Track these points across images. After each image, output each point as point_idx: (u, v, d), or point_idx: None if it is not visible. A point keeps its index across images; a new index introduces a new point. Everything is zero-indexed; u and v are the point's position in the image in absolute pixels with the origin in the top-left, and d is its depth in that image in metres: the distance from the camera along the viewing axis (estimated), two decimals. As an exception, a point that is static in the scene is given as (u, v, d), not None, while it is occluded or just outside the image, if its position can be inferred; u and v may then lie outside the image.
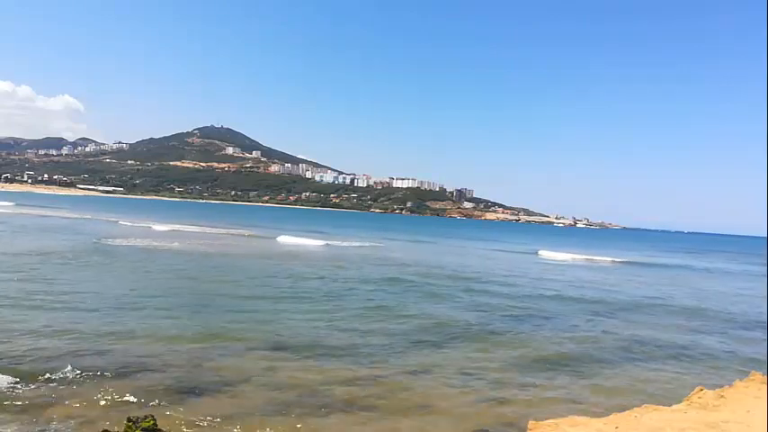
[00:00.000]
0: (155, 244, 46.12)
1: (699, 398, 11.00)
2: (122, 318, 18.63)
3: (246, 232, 72.60)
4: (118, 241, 46.52)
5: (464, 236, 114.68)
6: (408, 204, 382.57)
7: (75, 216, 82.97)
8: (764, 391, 11.14)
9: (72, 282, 25.14)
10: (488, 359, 16.87)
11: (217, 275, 30.96)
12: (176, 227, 69.12)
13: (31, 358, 13.55)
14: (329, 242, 62.87)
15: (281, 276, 32.28)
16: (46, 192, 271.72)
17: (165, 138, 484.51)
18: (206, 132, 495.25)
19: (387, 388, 13.50)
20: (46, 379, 12.21)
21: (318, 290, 27.96)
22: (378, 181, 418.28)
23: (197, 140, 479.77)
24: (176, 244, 47.58)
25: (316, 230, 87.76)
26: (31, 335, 15.59)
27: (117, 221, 76.38)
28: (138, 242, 47.01)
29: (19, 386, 11.70)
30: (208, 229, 72.24)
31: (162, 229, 63.89)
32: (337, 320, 20.91)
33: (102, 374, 12.82)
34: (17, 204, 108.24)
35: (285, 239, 62.00)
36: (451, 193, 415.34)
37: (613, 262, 64.39)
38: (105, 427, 9.94)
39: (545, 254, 68.58)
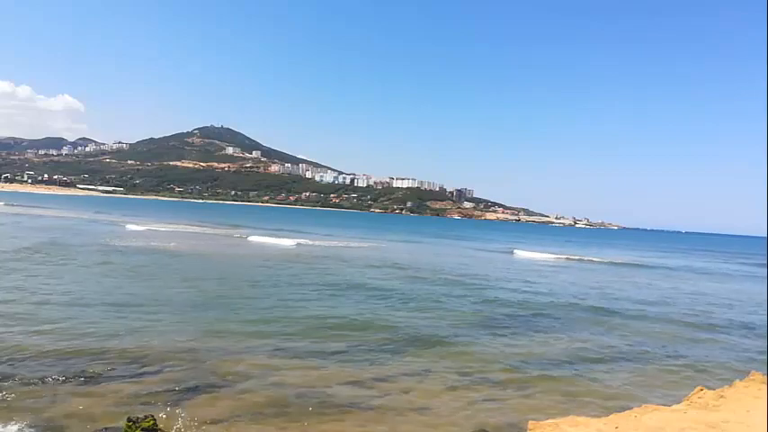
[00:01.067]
0: (122, 243, 45.87)
1: (699, 398, 11.01)
2: (117, 318, 18.62)
3: (223, 231, 72.07)
4: (97, 240, 46.64)
5: (452, 235, 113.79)
6: (408, 204, 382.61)
7: (68, 215, 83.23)
8: (764, 391, 11.15)
9: (62, 282, 25.12)
10: (487, 360, 16.85)
11: (190, 274, 30.94)
12: (153, 227, 68.49)
13: (29, 359, 13.54)
14: (301, 241, 61.25)
15: (212, 274, 32.14)
16: (46, 192, 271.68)
17: (165, 138, 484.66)
18: (206, 132, 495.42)
19: (386, 389, 13.50)
20: (45, 379, 12.21)
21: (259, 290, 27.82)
22: (378, 181, 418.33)
23: (197, 140, 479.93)
24: (143, 242, 47.43)
25: (297, 230, 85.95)
26: (30, 335, 15.58)
27: (100, 221, 76.58)
28: (116, 241, 47.06)
29: (18, 386, 11.70)
30: (185, 228, 71.72)
31: (137, 229, 63.62)
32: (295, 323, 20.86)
33: (101, 375, 12.82)
34: (6, 204, 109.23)
35: (256, 239, 60.56)
36: (451, 193, 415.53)
37: (588, 261, 63.61)
38: (105, 427, 9.95)
39: (520, 253, 67.83)
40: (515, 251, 70.04)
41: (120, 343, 15.48)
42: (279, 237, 64.63)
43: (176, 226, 74.13)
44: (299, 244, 58.26)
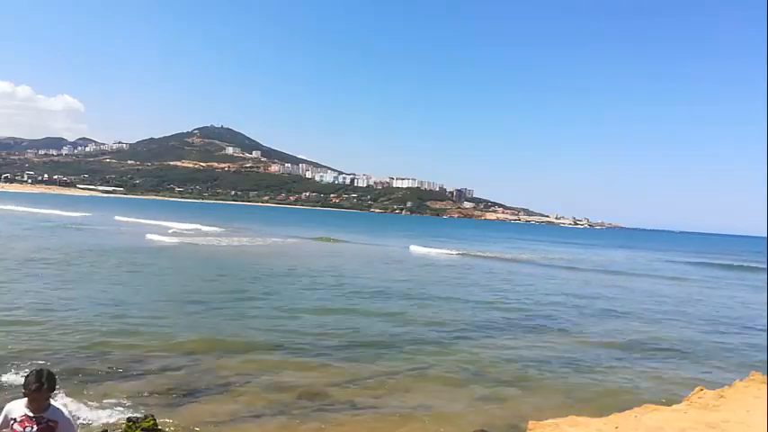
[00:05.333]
0: (118, 242, 45.56)
1: (699, 398, 11.02)
2: (115, 317, 18.61)
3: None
4: (94, 239, 46.45)
5: (393, 233, 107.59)
6: (408, 204, 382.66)
7: (66, 215, 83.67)
8: (764, 391, 11.15)
9: (59, 281, 25.11)
10: (488, 359, 16.85)
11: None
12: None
13: (27, 360, 13.52)
14: (189, 239, 55.70)
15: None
16: (46, 192, 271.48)
17: (165, 138, 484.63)
18: (206, 132, 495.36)
19: (386, 388, 13.50)
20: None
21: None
22: (378, 181, 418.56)
23: (197, 140, 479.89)
24: (140, 242, 47.04)
25: (241, 227, 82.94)
26: (27, 336, 15.56)
27: (96, 220, 76.68)
28: (113, 241, 46.70)
29: (16, 387, 11.67)
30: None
31: (132, 229, 62.88)
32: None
33: (101, 375, 12.82)
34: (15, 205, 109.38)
35: (152, 237, 54.38)
36: (451, 193, 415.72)
37: (477, 257, 61.11)
38: (105, 428, 9.94)
39: (415, 249, 65.70)
40: (411, 247, 67.57)
41: (120, 342, 15.46)
42: (176, 235, 58.50)
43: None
44: (182, 242, 52.51)
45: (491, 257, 61.10)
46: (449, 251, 65.22)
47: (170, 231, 62.80)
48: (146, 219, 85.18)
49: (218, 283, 28.39)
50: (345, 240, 73.23)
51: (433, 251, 64.23)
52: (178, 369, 13.65)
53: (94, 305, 20.16)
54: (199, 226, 76.18)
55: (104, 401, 11.26)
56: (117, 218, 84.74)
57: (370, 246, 67.73)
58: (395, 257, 53.44)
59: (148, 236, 54.17)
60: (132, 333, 16.57)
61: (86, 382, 12.30)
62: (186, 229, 69.63)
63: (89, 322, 17.49)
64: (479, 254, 64.51)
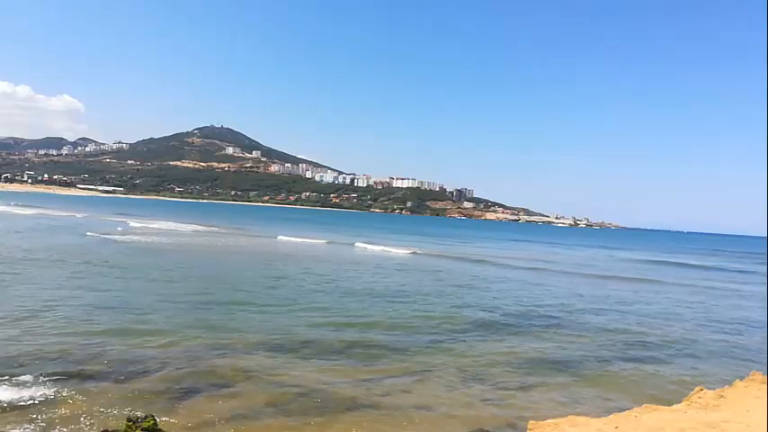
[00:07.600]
0: (117, 243, 45.32)
1: (699, 398, 11.01)
2: (115, 317, 18.61)
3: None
4: (93, 239, 46.36)
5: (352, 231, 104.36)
6: (408, 204, 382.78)
7: (67, 214, 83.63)
8: (764, 391, 11.15)
9: (59, 281, 25.10)
10: (488, 359, 16.85)
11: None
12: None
13: (30, 359, 13.54)
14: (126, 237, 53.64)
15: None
16: (46, 192, 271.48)
17: (165, 138, 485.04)
18: (206, 132, 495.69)
19: (387, 388, 13.50)
20: (46, 380, 12.20)
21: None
22: (378, 181, 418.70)
23: (197, 140, 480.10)
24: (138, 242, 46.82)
25: (213, 225, 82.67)
26: (27, 336, 15.57)
27: (96, 220, 76.72)
28: (111, 241, 46.50)
29: (18, 387, 11.69)
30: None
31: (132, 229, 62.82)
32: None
33: (101, 375, 12.82)
34: (15, 204, 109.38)
35: (92, 234, 53.40)
36: (451, 193, 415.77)
37: (428, 254, 60.11)
38: (105, 427, 9.95)
39: (360, 245, 65.38)
40: (356, 244, 66.95)
41: (120, 343, 15.47)
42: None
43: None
44: (131, 239, 51.17)
45: (448, 256, 59.20)
46: (396, 249, 63.58)
47: (119, 229, 62.63)
48: (110, 216, 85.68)
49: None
50: (296, 237, 71.37)
51: (377, 248, 63.21)
52: (178, 369, 13.66)
53: None
54: (162, 223, 76.72)
55: (104, 401, 11.27)
56: (79, 215, 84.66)
57: (318, 243, 66.28)
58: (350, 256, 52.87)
59: (88, 233, 53.49)
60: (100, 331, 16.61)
61: (86, 382, 12.32)
62: (138, 227, 69.26)
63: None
64: (427, 252, 63.21)
